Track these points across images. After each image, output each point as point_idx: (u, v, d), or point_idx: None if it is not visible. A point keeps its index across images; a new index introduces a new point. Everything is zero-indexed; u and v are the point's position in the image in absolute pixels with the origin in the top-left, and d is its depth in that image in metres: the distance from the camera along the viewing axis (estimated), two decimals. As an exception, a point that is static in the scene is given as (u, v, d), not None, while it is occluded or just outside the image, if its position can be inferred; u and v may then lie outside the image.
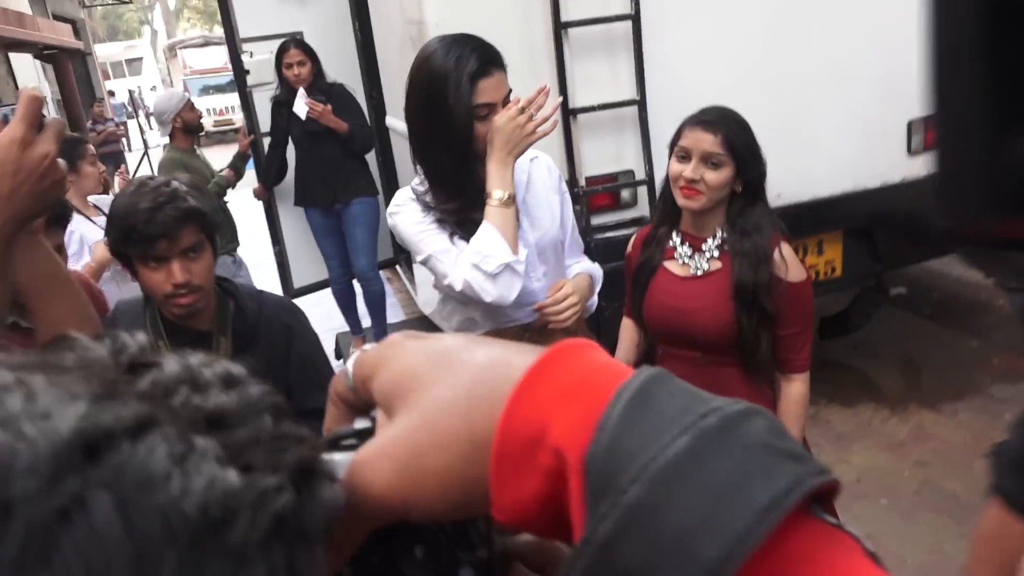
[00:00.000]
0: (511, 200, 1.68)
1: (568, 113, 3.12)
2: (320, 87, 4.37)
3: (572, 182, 3.17)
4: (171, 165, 4.23)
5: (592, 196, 3.25)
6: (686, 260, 1.90)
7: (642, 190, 3.31)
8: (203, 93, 19.48)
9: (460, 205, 1.72)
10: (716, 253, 1.87)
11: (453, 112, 1.63)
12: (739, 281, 1.80)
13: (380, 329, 4.85)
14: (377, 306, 4.82)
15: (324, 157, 4.42)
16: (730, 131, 1.78)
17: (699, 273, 1.88)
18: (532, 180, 1.84)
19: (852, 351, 4.36)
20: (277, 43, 4.46)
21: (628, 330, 2.13)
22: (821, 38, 3.35)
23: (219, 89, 20.57)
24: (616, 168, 3.28)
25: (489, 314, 1.80)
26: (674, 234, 1.93)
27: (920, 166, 3.56)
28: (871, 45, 3.40)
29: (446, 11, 2.97)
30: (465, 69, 1.62)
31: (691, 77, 3.19)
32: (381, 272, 5.05)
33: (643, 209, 3.32)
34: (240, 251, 4.49)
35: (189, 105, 4.40)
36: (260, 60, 4.59)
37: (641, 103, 3.16)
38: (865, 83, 3.43)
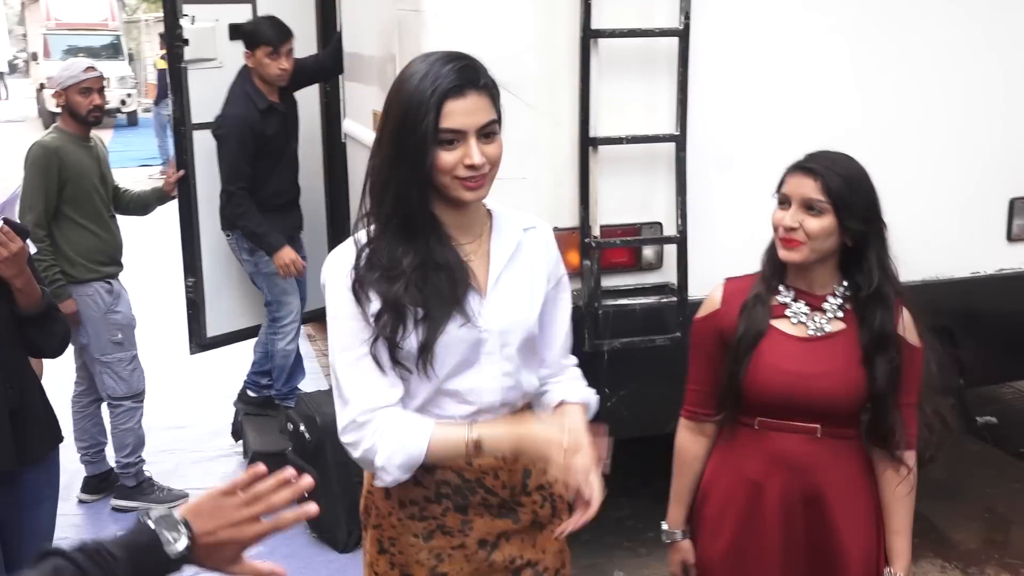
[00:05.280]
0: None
1: (587, 143, 2.87)
2: None
3: (584, 230, 2.89)
4: (41, 159, 3.59)
5: (606, 251, 2.97)
6: (802, 319, 1.95)
7: (671, 249, 3.02)
8: (68, 55, 15.51)
9: (415, 258, 1.65)
10: (840, 313, 1.95)
11: (416, 137, 1.59)
12: (872, 342, 1.90)
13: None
14: None
15: None
16: (832, 176, 1.87)
17: (820, 334, 1.94)
18: (522, 256, 1.76)
19: (919, 492, 3.98)
20: (223, 9, 4.06)
21: (692, 443, 2.09)
22: (917, 87, 3.21)
23: (92, 52, 16.76)
24: (641, 218, 3.03)
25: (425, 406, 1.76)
26: (782, 289, 1.97)
27: (1022, 255, 3.41)
28: (977, 105, 3.27)
29: (449, -1, 2.79)
30: (436, 87, 1.58)
31: (745, 116, 3.05)
32: (303, 327, 4.31)
33: (669, 273, 3.02)
34: (125, 276, 3.92)
35: (82, 86, 3.66)
36: (202, 28, 4.05)
37: (680, 140, 2.93)
38: (963, 147, 3.28)
